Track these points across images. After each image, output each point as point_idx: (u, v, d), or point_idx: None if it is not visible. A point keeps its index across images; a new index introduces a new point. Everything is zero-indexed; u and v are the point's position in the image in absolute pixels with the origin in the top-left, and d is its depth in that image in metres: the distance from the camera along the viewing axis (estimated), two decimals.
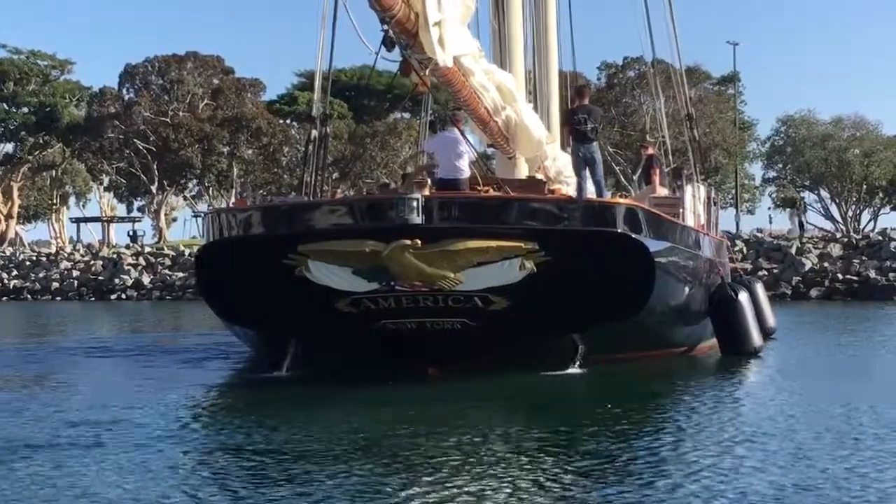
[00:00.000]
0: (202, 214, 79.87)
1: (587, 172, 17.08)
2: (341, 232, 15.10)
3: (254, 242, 15.95)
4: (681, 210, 20.04)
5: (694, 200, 21.99)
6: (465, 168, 16.60)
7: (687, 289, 18.08)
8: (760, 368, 17.71)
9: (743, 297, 19.38)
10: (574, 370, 16.01)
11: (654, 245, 16.30)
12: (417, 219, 14.51)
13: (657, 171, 24.17)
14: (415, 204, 14.47)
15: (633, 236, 15.86)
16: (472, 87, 18.30)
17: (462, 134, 17.03)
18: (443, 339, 15.45)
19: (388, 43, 13.54)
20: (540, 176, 19.62)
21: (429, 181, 15.03)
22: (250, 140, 68.49)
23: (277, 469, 9.48)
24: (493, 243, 14.83)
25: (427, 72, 14.79)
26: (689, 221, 20.28)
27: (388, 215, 14.68)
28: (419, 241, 14.57)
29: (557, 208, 15.79)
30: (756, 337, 19.25)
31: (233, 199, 72.14)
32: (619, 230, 15.78)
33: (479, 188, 16.16)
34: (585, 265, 15.19)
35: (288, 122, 76.45)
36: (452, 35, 14.74)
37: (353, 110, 75.19)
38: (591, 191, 17.73)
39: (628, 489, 8.57)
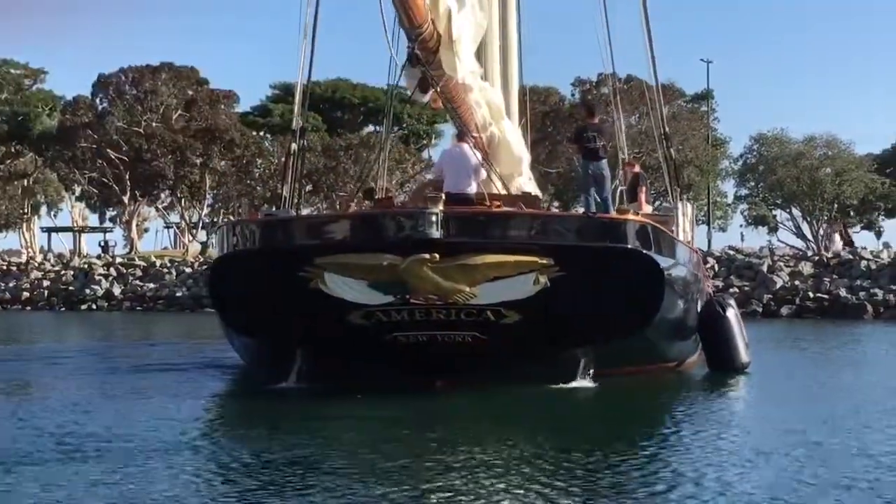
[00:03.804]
0: (173, 225, 79.96)
1: (596, 189, 17.50)
2: (359, 245, 15.43)
3: (270, 254, 16.24)
4: (673, 227, 20.51)
5: (684, 218, 22.54)
6: (473, 183, 17.03)
7: (683, 304, 18.54)
8: (754, 385, 18.08)
9: (731, 313, 19.84)
10: (579, 384, 16.40)
11: (662, 261, 16.77)
12: (436, 233, 14.86)
13: (643, 188, 24.62)
14: (434, 218, 14.79)
15: (645, 252, 16.31)
16: (468, 103, 18.88)
17: (475, 149, 17.41)
18: (452, 351, 15.78)
19: (413, 60, 14.06)
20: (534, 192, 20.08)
21: (442, 196, 15.36)
22: (223, 152, 68.48)
23: (285, 483, 9.59)
24: (511, 258, 15.19)
25: (439, 88, 15.32)
26: (681, 238, 20.77)
27: (407, 229, 15.02)
28: (437, 256, 14.92)
29: (572, 224, 16.28)
30: (744, 353, 19.70)
31: (205, 210, 72.24)
32: (631, 246, 16.21)
33: (485, 203, 16.57)
34: (597, 280, 15.61)
35: (261, 134, 76.55)
36: (466, 53, 15.30)
37: (327, 123, 75.41)
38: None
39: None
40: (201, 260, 58.17)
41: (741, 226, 75.39)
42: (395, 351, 15.97)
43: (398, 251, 15.04)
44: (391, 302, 15.47)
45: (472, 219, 15.70)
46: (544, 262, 15.29)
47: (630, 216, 16.89)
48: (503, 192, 18.17)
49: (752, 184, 72.36)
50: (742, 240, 71.82)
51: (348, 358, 16.52)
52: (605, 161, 17.52)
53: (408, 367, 15.92)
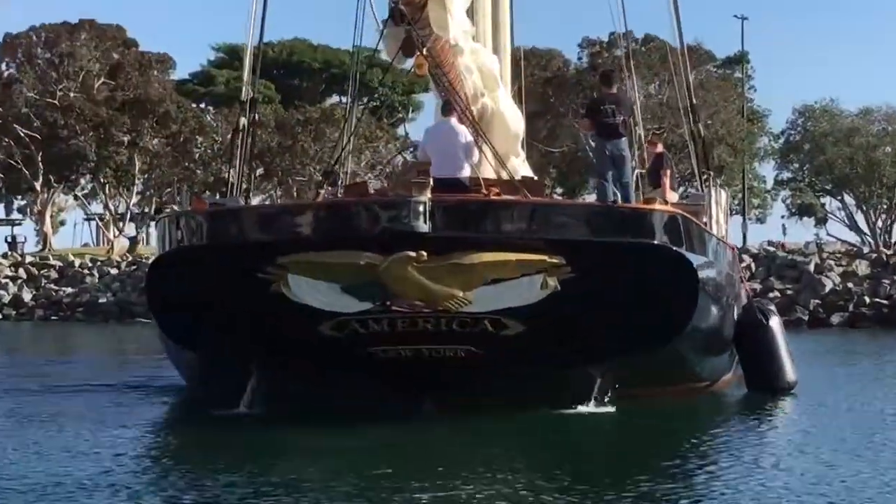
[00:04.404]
0: (95, 217, 79.90)
1: (615, 173, 17.53)
2: (330, 241, 15.47)
3: (221, 252, 16.32)
4: (704, 219, 20.58)
5: (716, 207, 22.59)
6: (466, 165, 17.07)
7: (718, 311, 18.64)
8: (802, 410, 18.09)
9: (774, 322, 19.91)
10: (594, 407, 16.48)
11: (694, 259, 16.88)
12: (424, 226, 14.89)
13: (668, 172, 24.70)
14: (421, 208, 14.83)
15: (674, 249, 16.44)
16: (458, 68, 18.98)
17: (474, 125, 17.44)
18: (442, 369, 15.87)
19: (396, 17, 14.17)
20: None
21: (430, 182, 15.37)
22: (156, 127, 68.48)
23: None
24: (513, 256, 15.27)
25: (425, 50, 15.43)
26: (714, 231, 20.87)
27: (388, 221, 15.06)
28: (424, 253, 14.98)
29: (587, 215, 16.41)
30: (790, 370, 19.78)
31: (134, 198, 72.24)
32: (658, 241, 16.33)
33: (481, 190, 16.62)
34: (618, 282, 15.71)
35: (202, 106, 76.56)
36: (458, 9, 15.45)
37: (282, 93, 75.53)
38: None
39: None
40: (130, 259, 58.22)
41: (783, 217, 75.98)
42: (374, 369, 16.05)
43: (377, 248, 15.07)
44: (369, 309, 15.52)
45: (465, 209, 15.75)
46: (554, 261, 15.36)
47: (657, 206, 16.98)
48: (502, 176, 18.20)
49: (797, 166, 72.86)
50: (784, 233, 72.35)
51: (316, 377, 16.59)
52: (625, 139, 17.63)
53: (388, 387, 16.00)
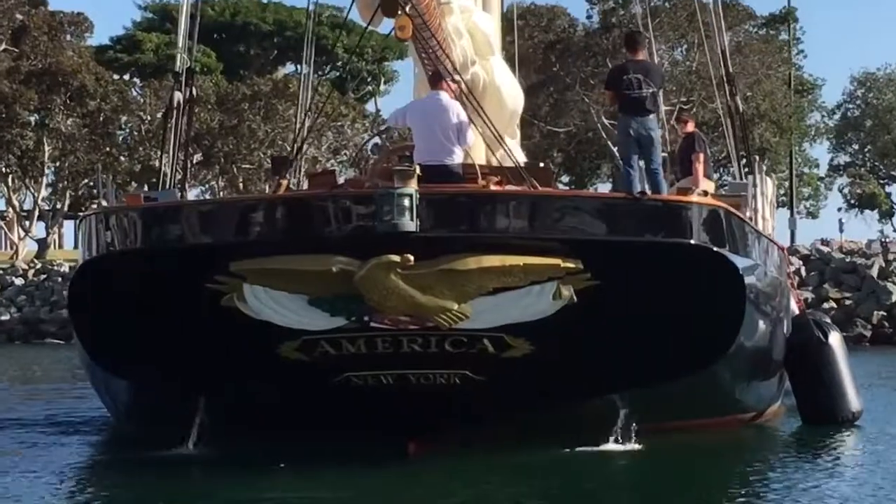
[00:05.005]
0: None
1: (643, 157, 17.57)
2: (295, 243, 15.52)
3: (162, 257, 16.29)
4: (748, 212, 20.65)
5: (762, 199, 22.65)
6: (457, 149, 17.11)
7: (766, 326, 18.75)
8: (872, 446, 18.04)
9: (834, 339, 19.99)
10: (613, 446, 16.51)
11: (740, 262, 16.98)
12: (411, 224, 14.91)
13: (701, 155, 24.76)
14: (406, 202, 14.86)
15: (716, 250, 16.49)
16: (446, 31, 19.05)
17: (470, 100, 17.47)
18: (433, 399, 15.88)
19: None
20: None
21: (417, 169, 15.37)
22: (70, 104, 68.44)
23: None
24: (520, 260, 15.32)
25: (409, 8, 15.50)
26: (760, 228, 20.93)
27: (362, 219, 15.15)
28: (411, 257, 15.01)
29: (610, 209, 16.41)
30: (853, 397, 19.82)
31: (44, 191, 72.15)
32: (695, 241, 16.37)
33: (477, 179, 16.70)
34: (648, 292, 15.72)
35: (127, 78, 76.43)
36: None
37: (225, 62, 75.55)
38: None
39: None
40: (38, 266, 58.16)
41: (839, 209, 76.16)
42: (348, 399, 16.10)
43: (353, 251, 15.13)
44: (342, 327, 15.59)
45: (460, 202, 15.84)
46: (569, 265, 15.41)
47: (694, 198, 17.01)
48: (499, 162, 18.24)
49: (856, 147, 73.01)
50: (841, 230, 72.53)
51: (277, 410, 16.64)
52: (653, 117, 17.66)
53: (366, 422, 16.07)
